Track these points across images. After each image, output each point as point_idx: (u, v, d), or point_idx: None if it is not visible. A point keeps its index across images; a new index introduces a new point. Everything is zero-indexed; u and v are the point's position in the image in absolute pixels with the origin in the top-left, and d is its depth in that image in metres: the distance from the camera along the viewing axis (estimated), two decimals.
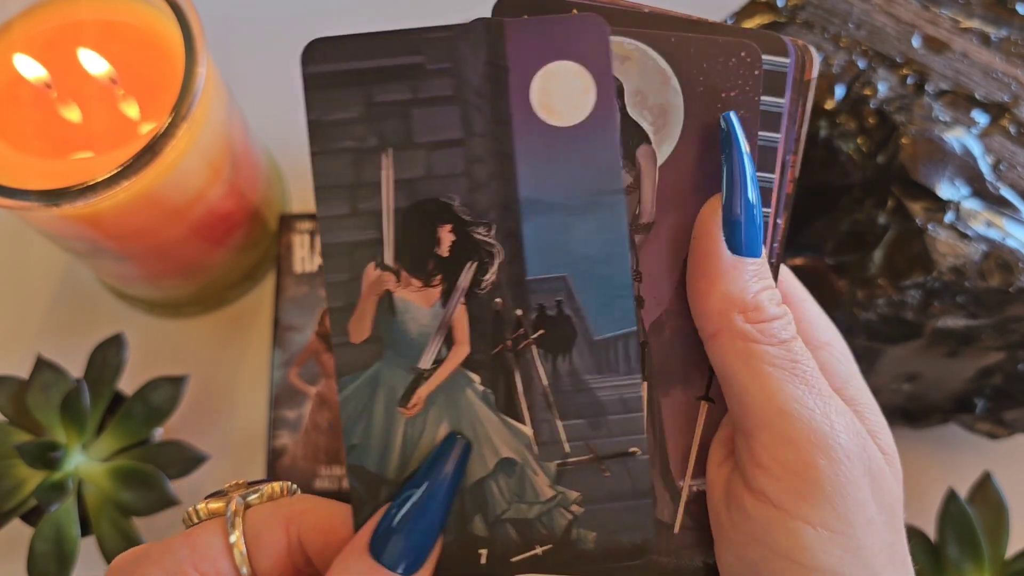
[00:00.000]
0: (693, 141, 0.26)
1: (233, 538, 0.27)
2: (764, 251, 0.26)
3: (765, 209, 0.27)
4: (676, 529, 0.27)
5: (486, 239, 0.26)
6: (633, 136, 0.26)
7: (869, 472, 0.25)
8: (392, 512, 0.25)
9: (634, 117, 0.26)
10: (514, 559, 0.27)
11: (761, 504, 0.25)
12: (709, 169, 0.26)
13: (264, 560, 0.27)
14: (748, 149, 0.26)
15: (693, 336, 0.27)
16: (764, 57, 0.27)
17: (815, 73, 0.27)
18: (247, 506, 0.28)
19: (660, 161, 0.26)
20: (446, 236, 0.26)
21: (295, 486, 0.30)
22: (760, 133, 0.27)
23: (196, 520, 0.28)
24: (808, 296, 0.29)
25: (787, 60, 0.27)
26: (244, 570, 0.27)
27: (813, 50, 0.27)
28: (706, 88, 0.26)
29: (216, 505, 0.28)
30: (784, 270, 0.29)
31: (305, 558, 0.27)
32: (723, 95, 0.26)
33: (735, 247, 0.25)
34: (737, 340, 0.25)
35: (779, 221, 0.27)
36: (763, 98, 0.27)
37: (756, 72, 0.26)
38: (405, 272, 0.26)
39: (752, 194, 0.25)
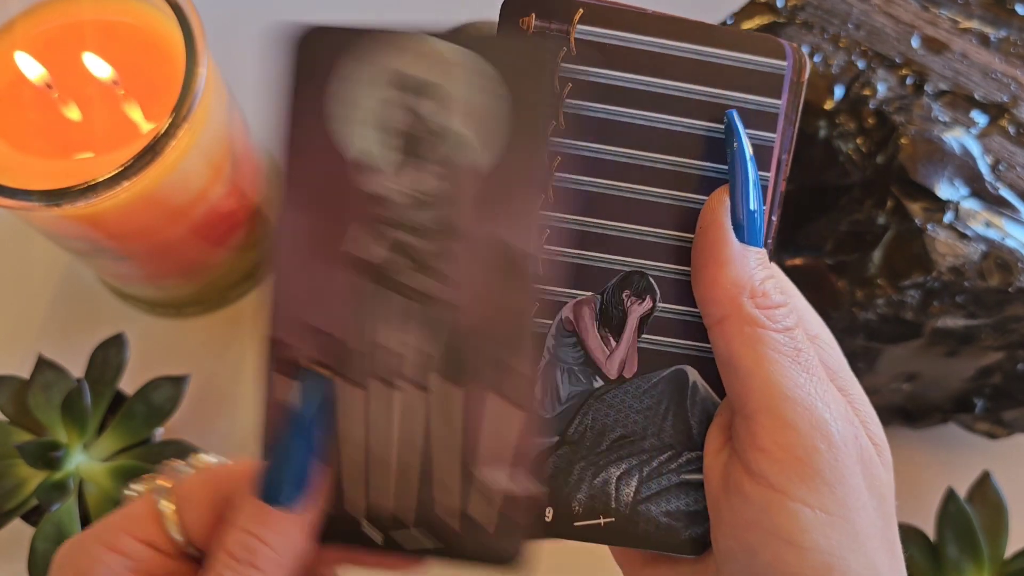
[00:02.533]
0: (520, 149, 0.26)
1: (162, 504, 0.28)
2: (766, 246, 0.27)
3: (762, 207, 0.28)
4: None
5: None
6: (455, 146, 0.26)
7: (861, 459, 0.26)
8: (265, 451, 0.27)
9: (457, 127, 0.26)
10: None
11: (760, 487, 0.25)
12: (536, 177, 0.26)
13: (195, 520, 0.28)
14: (748, 143, 0.27)
15: None
16: (761, 59, 0.27)
17: (807, 75, 0.28)
18: (178, 478, 0.29)
19: (485, 171, 0.26)
20: None
21: (221, 459, 0.31)
22: (758, 132, 0.28)
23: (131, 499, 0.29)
24: (797, 292, 0.30)
25: (784, 63, 0.28)
26: (172, 528, 0.28)
27: (805, 53, 0.28)
28: (523, 93, 0.26)
29: (149, 483, 0.29)
30: (773, 266, 0.30)
31: None
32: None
33: (740, 237, 0.26)
34: (745, 325, 0.26)
35: (773, 218, 0.28)
36: (761, 99, 0.27)
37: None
38: None
39: (754, 187, 0.26)
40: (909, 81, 0.40)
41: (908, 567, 0.42)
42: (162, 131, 0.38)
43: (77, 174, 0.37)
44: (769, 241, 0.28)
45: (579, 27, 0.27)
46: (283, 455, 0.26)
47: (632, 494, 0.28)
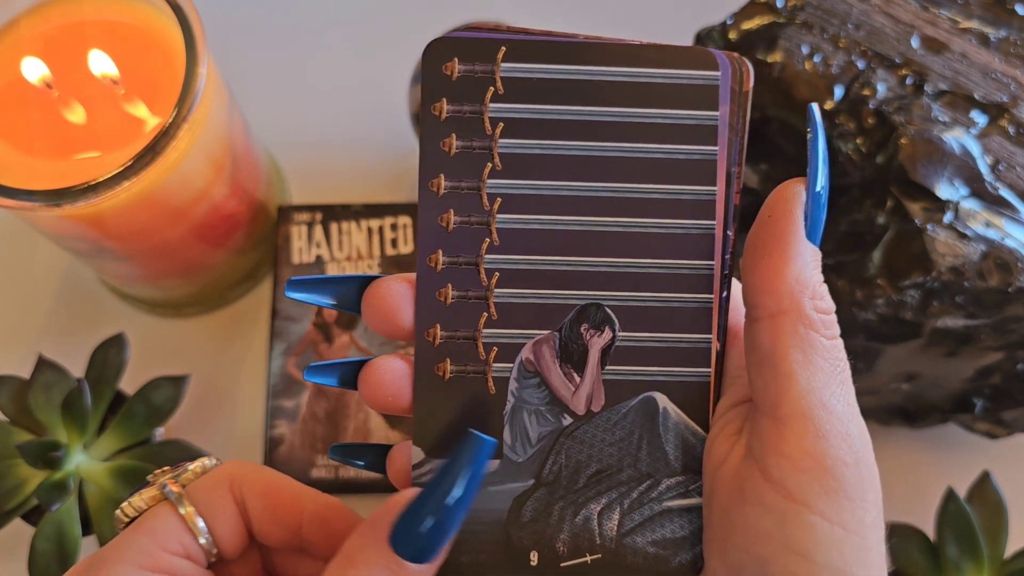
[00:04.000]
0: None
1: (184, 510, 0.27)
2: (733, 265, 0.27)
3: (712, 222, 0.28)
4: None
5: None
6: None
7: (873, 476, 0.26)
8: (415, 508, 0.26)
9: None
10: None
11: (780, 497, 0.25)
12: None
13: (221, 526, 0.27)
14: (824, 141, 0.26)
15: None
16: (693, 72, 0.27)
17: (751, 84, 0.27)
18: (183, 485, 0.28)
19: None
20: None
21: (216, 459, 0.30)
22: (695, 147, 0.27)
23: (132, 515, 0.28)
24: None
25: (717, 73, 0.27)
26: (204, 540, 0.27)
27: (748, 63, 0.27)
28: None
29: (149, 495, 0.28)
30: None
31: (251, 521, 0.28)
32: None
33: (807, 233, 0.26)
34: (800, 325, 0.25)
35: (729, 233, 0.28)
36: (697, 112, 0.27)
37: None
38: None
39: (825, 185, 0.26)
40: (909, 81, 0.40)
41: (908, 567, 0.43)
42: (162, 131, 0.38)
43: (78, 174, 0.37)
44: (727, 256, 0.28)
45: (504, 65, 0.27)
46: (440, 516, 0.25)
47: (616, 528, 0.28)
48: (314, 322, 0.50)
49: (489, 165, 0.27)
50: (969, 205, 0.38)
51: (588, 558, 0.27)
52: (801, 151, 0.42)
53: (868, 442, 0.26)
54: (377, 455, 0.29)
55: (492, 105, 0.27)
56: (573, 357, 0.28)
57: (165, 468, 0.29)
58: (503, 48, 0.27)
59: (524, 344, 0.28)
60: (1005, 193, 0.38)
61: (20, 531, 0.43)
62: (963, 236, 0.37)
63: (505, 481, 0.28)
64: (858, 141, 0.40)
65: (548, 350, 0.28)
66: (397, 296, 0.28)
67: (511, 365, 0.28)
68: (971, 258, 0.37)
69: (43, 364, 0.43)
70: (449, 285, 0.28)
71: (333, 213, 0.52)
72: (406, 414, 0.28)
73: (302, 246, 0.51)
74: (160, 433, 0.45)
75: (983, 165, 0.38)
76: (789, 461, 0.25)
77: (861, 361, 0.42)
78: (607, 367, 0.28)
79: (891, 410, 0.47)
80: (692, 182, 0.27)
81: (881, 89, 0.40)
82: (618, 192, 0.27)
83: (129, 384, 0.45)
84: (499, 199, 0.27)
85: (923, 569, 0.42)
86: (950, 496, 0.43)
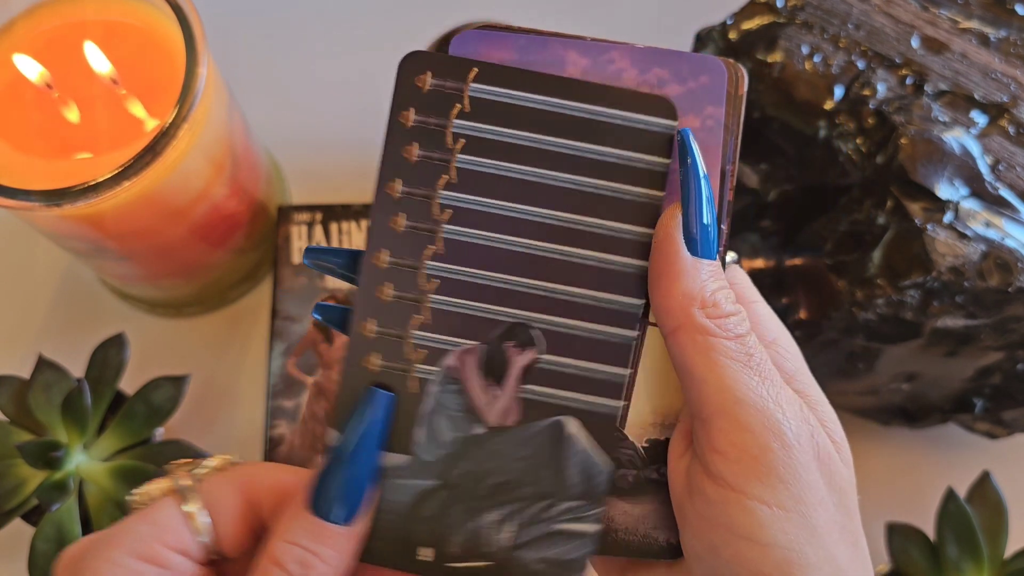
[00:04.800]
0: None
1: (189, 507, 0.27)
2: (718, 255, 0.28)
3: (645, 263, 0.29)
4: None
5: None
6: None
7: (818, 456, 0.27)
8: (325, 469, 0.27)
9: None
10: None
11: (720, 488, 0.26)
12: None
13: (225, 526, 0.28)
14: (702, 161, 0.28)
15: None
16: (652, 119, 0.29)
17: (746, 88, 0.29)
18: (198, 479, 0.28)
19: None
20: None
21: (236, 458, 0.30)
22: (641, 190, 0.29)
23: (144, 503, 0.28)
24: (759, 298, 0.31)
25: (674, 123, 0.29)
26: (206, 539, 0.27)
27: (743, 68, 0.29)
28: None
29: (162, 485, 0.28)
30: (741, 274, 0.31)
31: (261, 522, 0.28)
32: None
33: (693, 250, 0.27)
34: (697, 334, 0.27)
35: (723, 227, 0.29)
36: (646, 157, 0.29)
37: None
38: None
39: (706, 203, 0.28)
40: (909, 81, 0.40)
41: (908, 567, 0.43)
42: (162, 131, 0.38)
43: (77, 174, 0.37)
44: (720, 249, 0.29)
45: (473, 85, 0.28)
46: (345, 470, 0.27)
47: (511, 540, 0.28)
48: (314, 322, 0.50)
49: (445, 177, 0.29)
50: (969, 205, 0.38)
51: (480, 563, 0.28)
52: (801, 151, 0.42)
53: (806, 420, 0.27)
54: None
55: (457, 121, 0.28)
56: (495, 371, 0.29)
57: (183, 460, 0.30)
58: (475, 69, 0.28)
59: (451, 351, 0.29)
60: (1005, 193, 0.38)
61: (20, 531, 0.43)
62: (963, 236, 0.37)
63: (412, 477, 0.28)
64: (858, 141, 0.40)
65: (472, 360, 0.29)
66: None
67: (436, 369, 0.29)
68: (971, 258, 0.37)
69: (43, 364, 0.43)
70: (390, 284, 0.28)
71: (333, 213, 0.52)
72: None
73: (302, 246, 0.51)
74: (160, 433, 0.45)
75: (983, 165, 0.38)
76: (720, 455, 0.26)
77: (861, 361, 0.42)
78: (526, 385, 0.29)
79: (891, 410, 0.47)
80: (633, 222, 0.29)
81: (881, 89, 0.40)
82: (562, 222, 0.29)
83: (129, 384, 0.45)
84: (450, 210, 0.29)
85: (923, 569, 0.42)
86: (950, 496, 0.43)
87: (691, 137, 0.28)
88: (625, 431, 0.29)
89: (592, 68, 0.29)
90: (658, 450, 0.29)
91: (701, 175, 0.28)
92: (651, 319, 0.29)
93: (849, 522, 0.27)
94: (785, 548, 0.25)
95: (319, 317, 0.30)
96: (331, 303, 0.30)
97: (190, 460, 0.30)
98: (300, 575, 0.26)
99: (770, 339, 0.30)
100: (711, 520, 0.26)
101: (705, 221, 0.28)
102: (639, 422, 0.29)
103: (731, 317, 0.27)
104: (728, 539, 0.26)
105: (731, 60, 0.29)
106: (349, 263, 0.29)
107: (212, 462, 0.29)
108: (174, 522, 0.27)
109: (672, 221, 0.28)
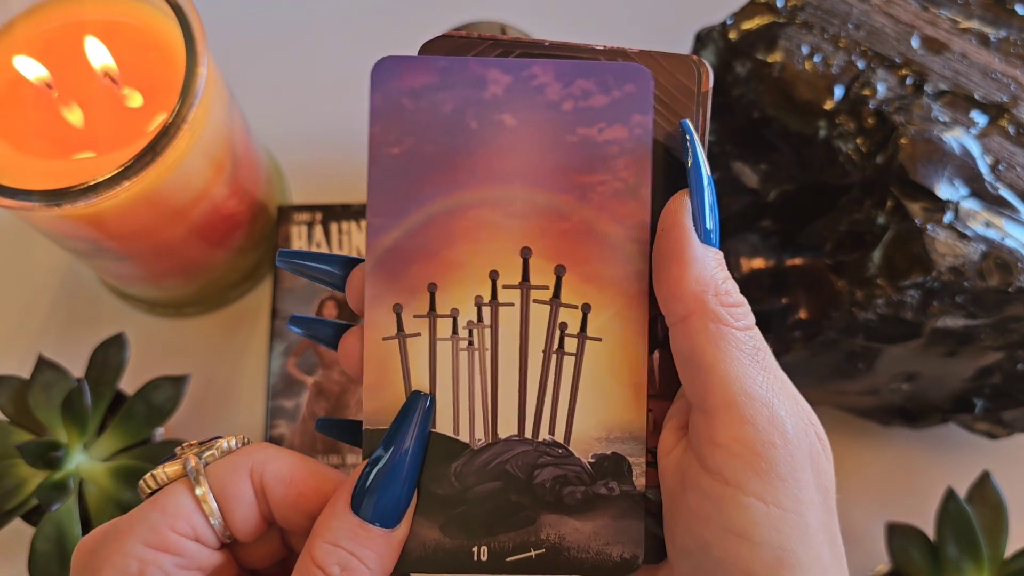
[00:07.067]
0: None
1: (200, 492, 0.27)
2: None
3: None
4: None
5: None
6: None
7: (811, 455, 0.27)
8: (367, 471, 0.27)
9: None
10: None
11: (716, 482, 0.26)
12: None
13: (235, 511, 0.28)
14: (703, 150, 0.28)
15: None
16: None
17: (711, 84, 0.29)
18: (206, 463, 0.28)
19: None
20: None
21: (248, 438, 0.30)
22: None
23: (155, 487, 0.28)
24: None
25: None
26: (216, 522, 0.27)
27: (707, 64, 0.29)
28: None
29: (173, 468, 0.28)
30: None
31: (269, 507, 0.28)
32: None
33: (701, 238, 0.27)
34: (709, 321, 0.26)
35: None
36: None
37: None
38: None
39: (710, 189, 0.28)
40: (909, 81, 0.40)
41: (908, 567, 0.43)
42: (162, 131, 0.38)
43: (77, 174, 0.37)
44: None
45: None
46: (388, 472, 0.27)
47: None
48: None
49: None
50: (969, 205, 0.38)
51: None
52: (801, 151, 0.42)
53: (803, 419, 0.27)
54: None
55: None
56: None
57: (193, 441, 0.30)
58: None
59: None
60: (1005, 193, 0.38)
61: (20, 531, 0.43)
62: (963, 236, 0.37)
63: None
64: (858, 141, 0.40)
65: None
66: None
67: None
68: (971, 258, 0.37)
69: (43, 364, 0.43)
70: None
71: (333, 213, 0.52)
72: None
73: (302, 246, 0.51)
74: (160, 433, 0.45)
75: (983, 165, 0.38)
76: (721, 449, 0.26)
77: (861, 361, 0.42)
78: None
79: (891, 410, 0.47)
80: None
81: (881, 89, 0.40)
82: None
83: (129, 384, 0.45)
84: None
85: (923, 569, 0.42)
86: (950, 496, 0.43)
87: (691, 127, 0.28)
88: (570, 447, 0.29)
89: (514, 85, 0.28)
90: (606, 465, 0.29)
91: (703, 164, 0.27)
92: (588, 332, 0.29)
93: (831, 521, 0.27)
94: (778, 548, 0.25)
95: (297, 330, 0.30)
96: (306, 316, 0.30)
97: (197, 442, 0.29)
98: None
99: None
100: (705, 516, 0.26)
101: (707, 210, 0.27)
102: (584, 437, 0.29)
103: (740, 307, 0.27)
104: (720, 535, 0.26)
105: (695, 56, 0.29)
106: (322, 268, 0.30)
107: (221, 443, 0.29)
108: (185, 509, 0.27)
109: (681, 208, 0.27)
